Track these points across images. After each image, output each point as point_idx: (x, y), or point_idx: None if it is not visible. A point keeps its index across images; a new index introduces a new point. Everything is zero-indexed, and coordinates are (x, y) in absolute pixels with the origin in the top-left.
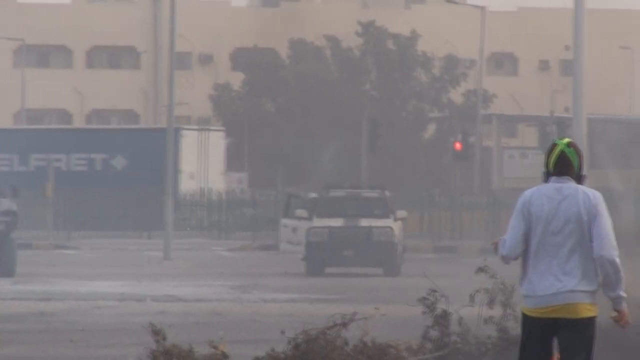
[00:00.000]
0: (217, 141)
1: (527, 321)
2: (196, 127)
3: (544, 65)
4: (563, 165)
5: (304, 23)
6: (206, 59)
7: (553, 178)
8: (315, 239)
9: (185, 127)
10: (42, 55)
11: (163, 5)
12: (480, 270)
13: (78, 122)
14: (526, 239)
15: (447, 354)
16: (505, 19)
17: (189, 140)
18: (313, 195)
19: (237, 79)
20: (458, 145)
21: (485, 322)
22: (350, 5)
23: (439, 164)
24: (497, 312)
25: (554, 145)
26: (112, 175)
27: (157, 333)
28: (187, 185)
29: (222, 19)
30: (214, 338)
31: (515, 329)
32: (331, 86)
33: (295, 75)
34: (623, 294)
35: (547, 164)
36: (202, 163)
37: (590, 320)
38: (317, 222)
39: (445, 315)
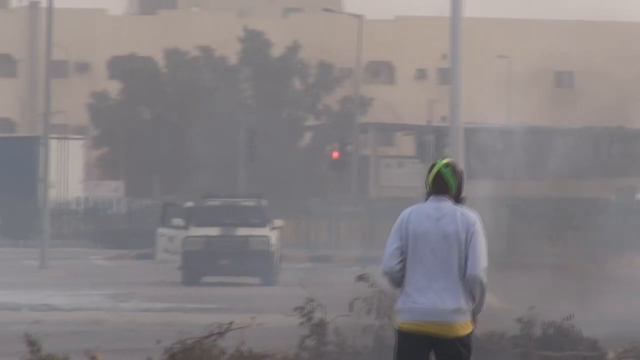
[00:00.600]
0: (77, 150)
1: (402, 336)
2: (56, 135)
3: (421, 74)
4: (440, 185)
5: (181, 32)
6: (83, 67)
7: (432, 197)
8: (192, 248)
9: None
10: None
11: (40, 13)
12: (360, 278)
13: None
14: (402, 254)
15: None
16: (383, 28)
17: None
18: (190, 204)
19: (114, 88)
20: (335, 154)
21: (363, 332)
22: (228, 14)
23: (316, 173)
24: (376, 321)
25: (433, 165)
26: None
27: (32, 343)
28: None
29: (99, 27)
30: (91, 347)
31: (392, 338)
32: (207, 95)
33: (172, 84)
34: (483, 309)
35: (426, 183)
36: (62, 172)
37: (467, 337)
38: (194, 231)
39: (321, 324)
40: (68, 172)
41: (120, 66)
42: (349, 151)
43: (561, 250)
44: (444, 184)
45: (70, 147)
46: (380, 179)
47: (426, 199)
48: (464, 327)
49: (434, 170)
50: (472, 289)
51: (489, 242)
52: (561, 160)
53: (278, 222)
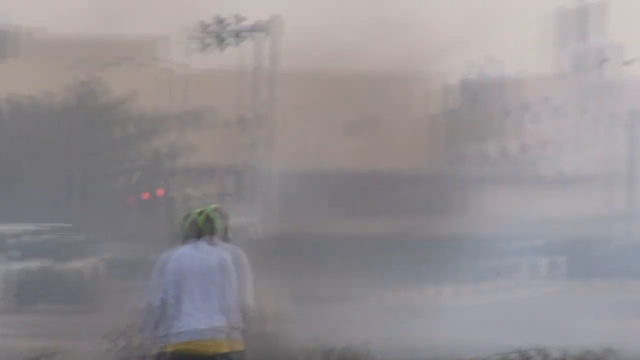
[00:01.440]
0: None
1: (175, 357)
2: None
3: (240, 120)
4: (210, 226)
5: (6, 81)
6: None
7: (203, 237)
8: (12, 279)
9: None
10: None
11: None
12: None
13: None
14: (167, 290)
15: None
16: (198, 78)
17: None
18: (11, 238)
19: None
20: (146, 195)
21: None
22: (55, 65)
23: (132, 211)
24: None
25: (202, 211)
26: None
27: None
28: None
29: None
30: None
31: None
32: (35, 141)
33: (9, 128)
34: (252, 331)
35: (190, 226)
36: None
37: (236, 355)
38: (15, 263)
39: (127, 348)
40: None
41: None
42: (160, 193)
43: (363, 282)
44: (213, 226)
45: None
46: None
47: (197, 239)
48: (228, 345)
49: (204, 214)
50: (238, 315)
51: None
52: (349, 201)
53: (96, 255)
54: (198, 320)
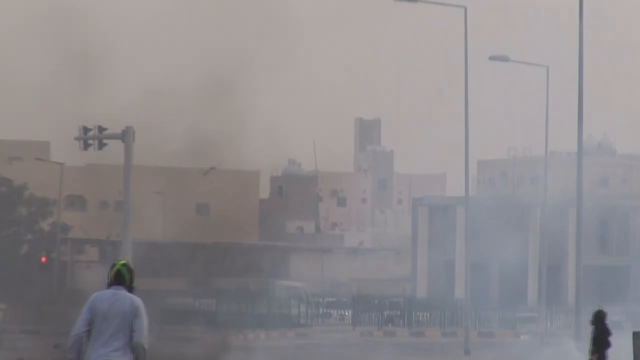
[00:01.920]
0: None
1: None
2: None
3: (103, 204)
4: (119, 277)
5: None
6: None
7: (113, 286)
8: None
9: None
10: None
11: None
12: (57, 346)
13: None
14: (88, 324)
15: None
16: (79, 170)
17: None
18: None
19: None
20: (43, 259)
21: None
22: None
23: (31, 271)
24: None
25: (114, 264)
26: None
27: None
28: None
29: None
30: None
31: None
32: None
33: None
34: None
35: (109, 276)
36: None
37: None
38: None
39: None
40: None
41: None
42: (53, 257)
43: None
44: (122, 277)
45: None
46: (75, 277)
47: (108, 287)
48: None
49: (115, 268)
50: (136, 352)
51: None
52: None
53: (1, 306)
54: (104, 353)
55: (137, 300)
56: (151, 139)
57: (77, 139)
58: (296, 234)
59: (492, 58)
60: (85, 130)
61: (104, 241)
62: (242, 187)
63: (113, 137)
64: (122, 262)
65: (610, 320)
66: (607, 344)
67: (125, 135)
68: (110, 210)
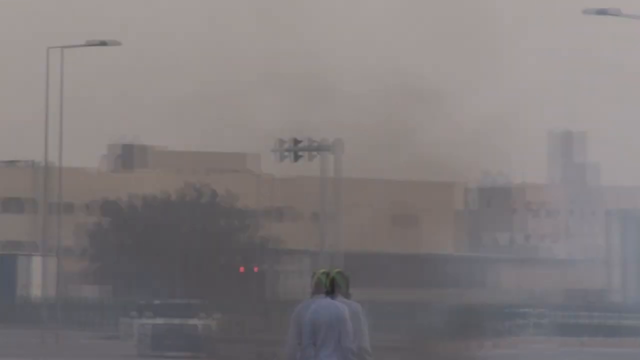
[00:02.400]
0: (38, 264)
1: None
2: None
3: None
4: (333, 285)
5: (136, 184)
6: (68, 207)
7: (328, 294)
8: (144, 331)
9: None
10: None
11: (39, 169)
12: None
13: None
14: (299, 336)
15: None
16: (279, 185)
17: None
18: (142, 301)
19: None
20: (242, 269)
21: None
22: (168, 172)
23: (232, 281)
24: None
25: (328, 273)
26: None
27: None
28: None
29: (83, 179)
30: None
31: None
32: (159, 229)
33: (138, 219)
34: None
35: (318, 285)
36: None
37: None
38: (145, 320)
39: None
40: (33, 277)
41: (95, 207)
42: (252, 268)
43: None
44: (337, 285)
45: (35, 261)
46: (276, 287)
47: (326, 296)
48: None
49: (316, 277)
50: (344, 354)
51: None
52: None
53: (217, 315)
54: None
55: (355, 306)
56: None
57: (273, 150)
58: (492, 245)
59: None
60: (282, 142)
61: (304, 252)
62: (439, 198)
63: (313, 149)
64: (323, 270)
65: None
66: None
67: (334, 147)
68: (309, 222)
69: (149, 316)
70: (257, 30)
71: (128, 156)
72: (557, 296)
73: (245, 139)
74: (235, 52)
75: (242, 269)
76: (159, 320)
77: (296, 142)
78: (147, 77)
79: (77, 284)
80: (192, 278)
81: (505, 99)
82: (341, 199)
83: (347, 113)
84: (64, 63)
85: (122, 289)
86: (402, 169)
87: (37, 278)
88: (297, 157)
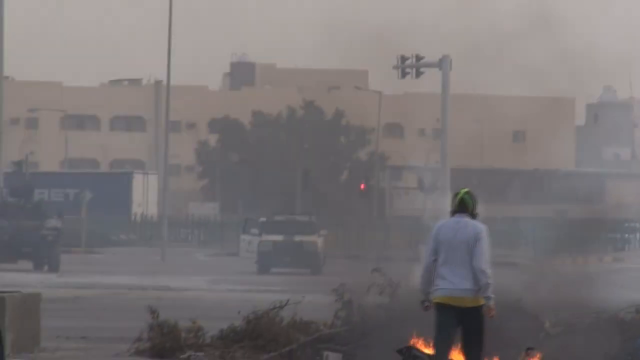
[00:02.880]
0: (154, 182)
1: (438, 307)
2: (141, 171)
3: (421, 132)
4: (462, 205)
5: (258, 101)
6: (190, 126)
7: (456, 214)
8: (264, 248)
9: (134, 171)
10: (79, 122)
11: (161, 88)
12: (375, 270)
13: (104, 169)
14: (435, 253)
15: (349, 328)
16: (397, 100)
17: (137, 181)
18: (263, 219)
19: (212, 139)
20: (362, 186)
21: (378, 307)
22: (290, 90)
23: (351, 199)
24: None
25: (457, 193)
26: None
27: (153, 312)
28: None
29: (202, 98)
30: (193, 316)
31: (397, 311)
32: (278, 145)
33: (253, 137)
34: (490, 295)
35: (452, 205)
36: (144, 195)
37: (477, 308)
38: (265, 237)
39: (349, 301)
40: (148, 196)
41: (217, 125)
42: (372, 185)
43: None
44: (465, 205)
45: (149, 179)
46: (392, 204)
47: (452, 215)
48: (473, 301)
49: (459, 196)
50: (477, 278)
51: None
52: None
53: (323, 232)
54: (452, 282)
55: (480, 227)
56: (468, 68)
57: (395, 67)
58: (612, 161)
59: None
60: (403, 59)
61: (422, 168)
62: (558, 114)
63: (430, 65)
64: (465, 190)
65: None
66: None
67: (443, 64)
68: (427, 138)
69: (268, 233)
70: None
71: (249, 74)
72: None
73: (367, 56)
74: None
75: (362, 186)
76: (279, 237)
77: (418, 58)
78: None
79: (196, 200)
80: (313, 195)
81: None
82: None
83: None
84: None
85: (244, 207)
86: (521, 85)
87: (153, 196)
88: (418, 74)
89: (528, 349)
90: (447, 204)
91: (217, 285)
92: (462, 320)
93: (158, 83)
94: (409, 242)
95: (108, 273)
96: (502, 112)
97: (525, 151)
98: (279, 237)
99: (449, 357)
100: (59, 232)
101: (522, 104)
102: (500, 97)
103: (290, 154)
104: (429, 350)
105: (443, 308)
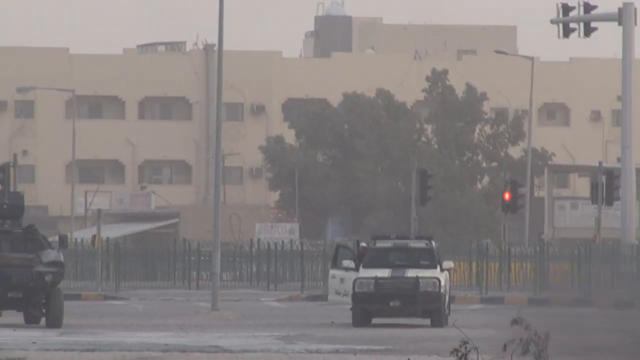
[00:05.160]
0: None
1: None
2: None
3: (595, 116)
4: None
5: (355, 73)
6: (258, 110)
7: None
8: (362, 289)
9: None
10: (94, 106)
11: (214, 56)
12: (515, 322)
13: (130, 174)
14: None
15: None
16: (557, 70)
17: None
18: (363, 244)
19: (288, 130)
20: (507, 196)
21: None
22: (402, 56)
23: (492, 215)
24: None
25: None
26: None
27: None
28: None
29: (274, 69)
30: None
31: None
32: (383, 137)
33: (348, 126)
34: None
35: None
36: None
37: None
38: (364, 272)
39: None
40: None
41: (295, 109)
42: (523, 193)
43: None
44: None
45: None
46: (553, 221)
47: None
48: None
49: None
50: None
51: None
52: None
53: (447, 264)
54: None
55: None
56: None
57: (554, 21)
58: None
59: None
60: (566, 9)
61: (597, 168)
62: None
63: (606, 18)
64: None
65: None
66: None
67: (624, 15)
68: (606, 124)
69: (369, 266)
70: None
71: (344, 32)
72: None
73: (513, 6)
74: None
75: (507, 196)
76: (384, 273)
77: (588, 7)
78: None
79: (266, 220)
80: (435, 210)
81: None
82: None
83: None
84: None
85: (334, 229)
86: None
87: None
88: (588, 31)
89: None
90: (631, 220)
91: (293, 345)
92: None
93: (209, 48)
94: (572, 276)
95: (133, 328)
96: None
97: None
98: (384, 272)
99: None
100: (61, 269)
101: None
102: None
103: (403, 150)
104: None
105: None
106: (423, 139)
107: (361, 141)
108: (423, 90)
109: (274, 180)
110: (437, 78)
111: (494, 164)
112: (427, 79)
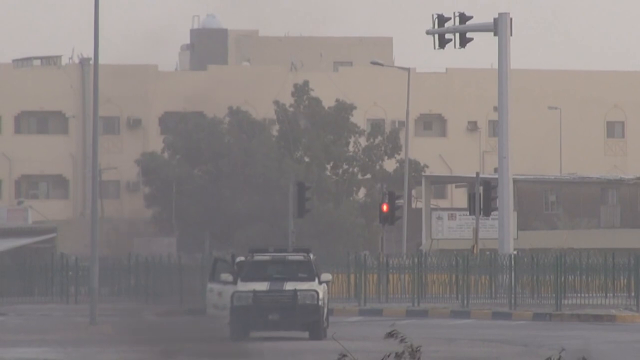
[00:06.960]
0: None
1: None
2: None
3: (472, 126)
4: None
5: (232, 86)
6: (135, 123)
7: None
8: (240, 303)
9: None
10: None
11: (90, 70)
12: (389, 335)
13: (7, 188)
14: None
15: None
16: (433, 80)
17: None
18: (240, 258)
19: (163, 144)
20: (384, 207)
21: None
22: (278, 68)
23: (370, 227)
24: None
25: None
26: None
27: None
28: None
29: (150, 83)
30: None
31: None
32: (244, 155)
33: (225, 139)
34: None
35: None
36: None
37: None
38: (242, 286)
39: None
40: None
41: (172, 121)
42: (400, 205)
43: None
44: None
45: None
46: (431, 232)
47: None
48: None
49: None
50: None
51: None
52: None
53: (326, 276)
54: None
55: None
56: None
57: (429, 32)
58: None
59: None
60: (442, 19)
61: (474, 179)
62: None
63: (480, 28)
64: None
65: None
66: None
67: (499, 25)
68: (483, 135)
69: (247, 279)
70: None
71: (219, 45)
72: None
73: (390, 17)
74: None
75: (385, 207)
76: (262, 286)
77: (463, 18)
78: None
79: (142, 235)
80: (311, 223)
81: None
82: (516, 100)
83: None
84: None
85: (212, 242)
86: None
87: None
88: (464, 42)
89: None
90: (508, 231)
91: (171, 359)
92: None
93: (85, 61)
94: (450, 287)
95: (10, 343)
96: (587, 93)
97: (625, 150)
98: (262, 286)
99: None
100: None
101: (615, 80)
102: (583, 73)
103: (266, 166)
104: None
105: None
106: (297, 152)
107: (223, 160)
108: (290, 106)
109: (151, 194)
110: (301, 90)
111: (368, 175)
112: (292, 93)
